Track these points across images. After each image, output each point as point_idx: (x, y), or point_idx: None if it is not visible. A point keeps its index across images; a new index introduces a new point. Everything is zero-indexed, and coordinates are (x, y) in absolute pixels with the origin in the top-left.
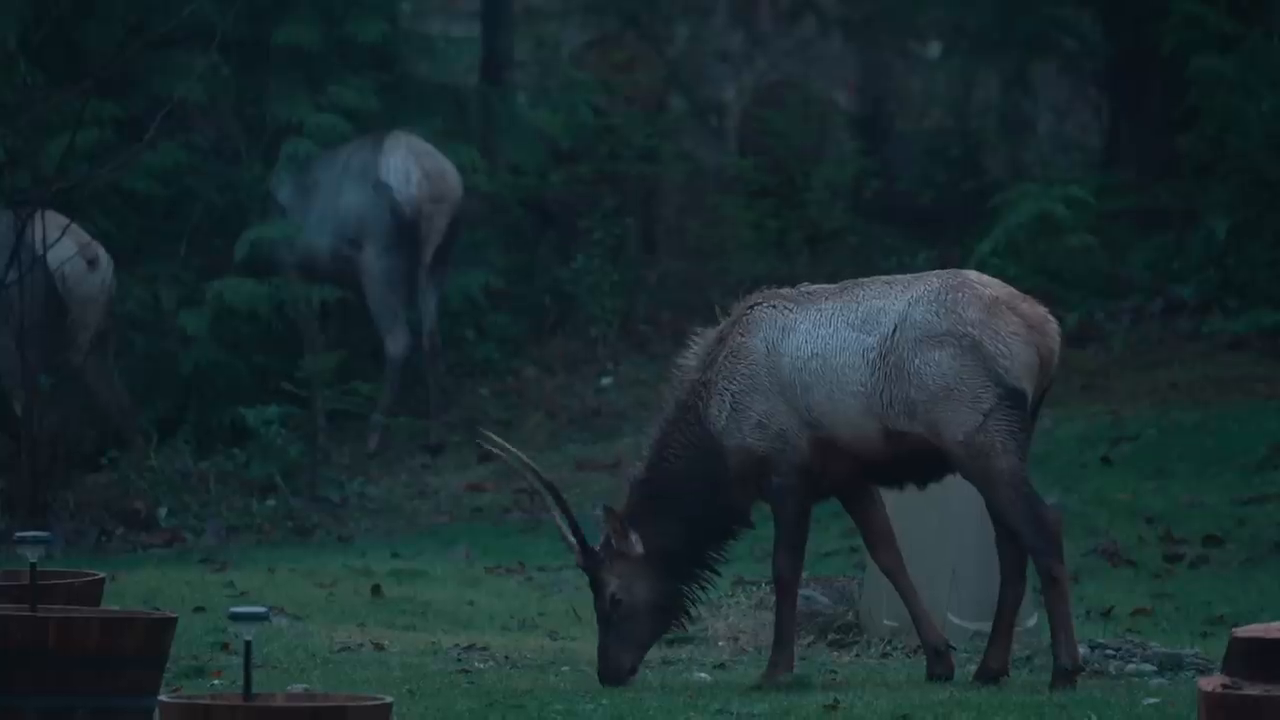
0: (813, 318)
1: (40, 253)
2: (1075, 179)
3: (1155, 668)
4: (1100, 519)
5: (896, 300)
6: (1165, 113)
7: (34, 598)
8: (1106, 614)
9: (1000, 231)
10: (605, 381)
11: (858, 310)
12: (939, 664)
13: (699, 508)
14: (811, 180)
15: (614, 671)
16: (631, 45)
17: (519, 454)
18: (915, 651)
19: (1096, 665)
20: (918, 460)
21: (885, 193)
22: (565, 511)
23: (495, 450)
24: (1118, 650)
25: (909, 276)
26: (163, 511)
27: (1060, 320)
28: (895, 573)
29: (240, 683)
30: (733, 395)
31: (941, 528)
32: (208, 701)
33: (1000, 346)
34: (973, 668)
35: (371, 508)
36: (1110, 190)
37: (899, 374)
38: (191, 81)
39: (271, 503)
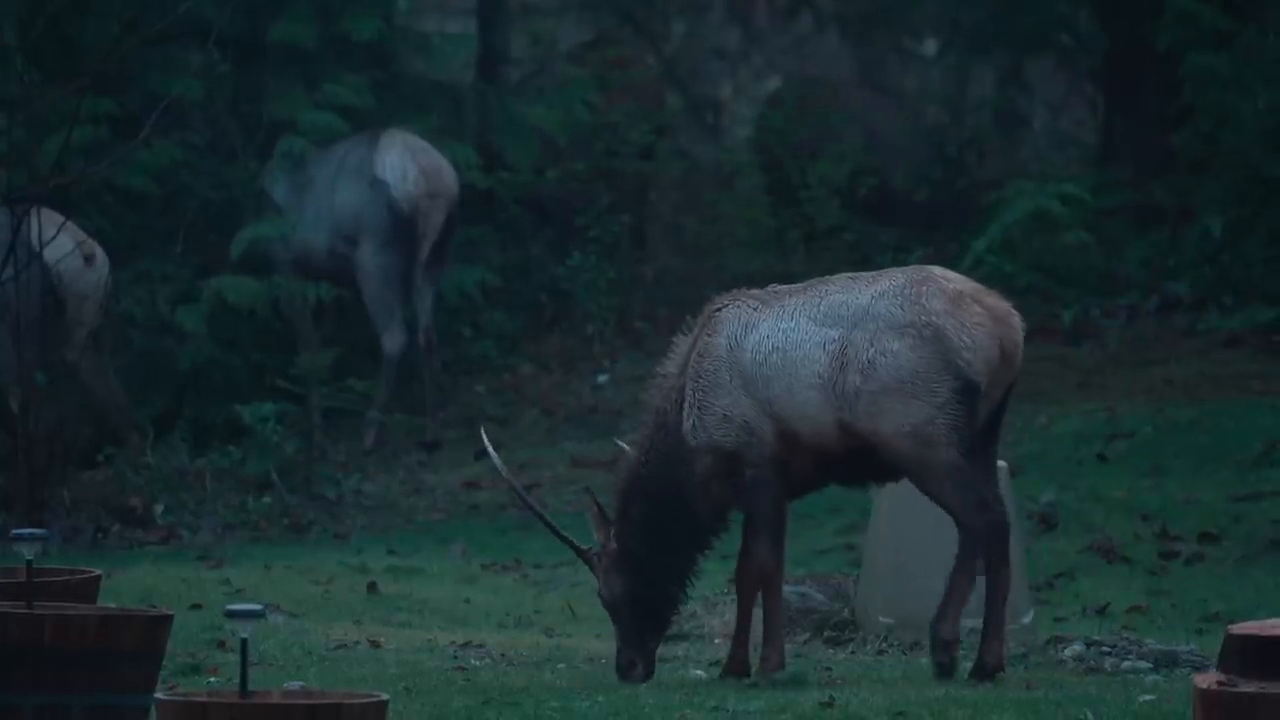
0: (776, 313)
1: (37, 250)
2: (1071, 176)
3: (1151, 665)
4: (1096, 516)
5: (861, 295)
6: (1160, 109)
7: (30, 595)
8: (1102, 611)
9: (996, 228)
10: (602, 379)
11: (820, 305)
12: (732, 675)
13: (667, 513)
14: (808, 177)
15: (619, 668)
16: (628, 42)
17: (501, 465)
18: (911, 648)
19: (1092, 662)
20: (874, 454)
21: (881, 190)
22: (546, 520)
23: (490, 452)
24: (1113, 647)
25: (874, 273)
26: (159, 509)
27: (1056, 317)
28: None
29: (236, 680)
30: (698, 394)
31: (938, 524)
32: (204, 699)
33: (964, 338)
34: (969, 665)
35: (368, 505)
36: (1106, 187)
37: (854, 364)
38: (188, 79)
39: (268, 500)
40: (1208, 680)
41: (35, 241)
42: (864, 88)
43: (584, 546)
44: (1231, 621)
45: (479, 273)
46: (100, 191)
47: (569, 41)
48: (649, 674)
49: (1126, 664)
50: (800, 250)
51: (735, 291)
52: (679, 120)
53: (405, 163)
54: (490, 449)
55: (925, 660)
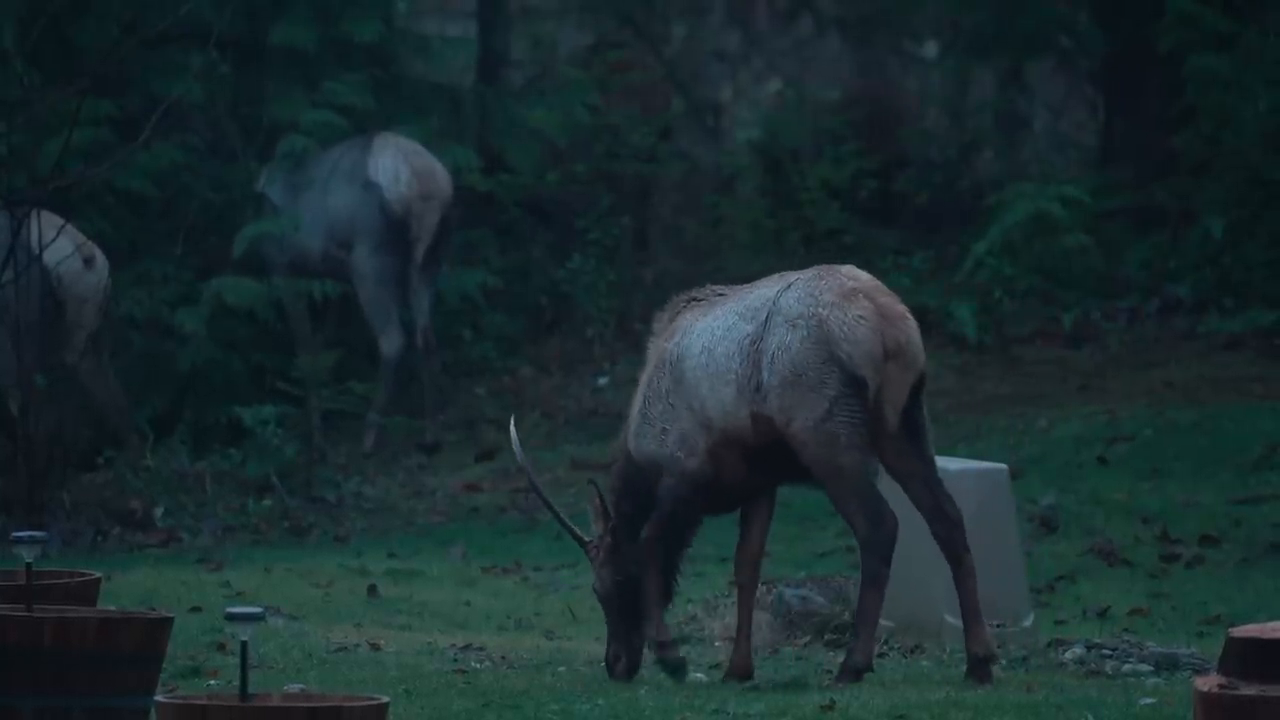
0: (713, 314)
1: (36, 252)
2: (1071, 178)
3: (1152, 667)
4: (1096, 519)
5: (775, 289)
6: (1161, 112)
7: (30, 597)
8: (1103, 614)
9: (996, 231)
10: (601, 381)
11: (746, 301)
12: (734, 677)
13: (647, 512)
14: (808, 180)
15: (606, 662)
16: (628, 45)
17: (520, 452)
18: (912, 651)
19: (1093, 665)
20: (789, 451)
21: (882, 192)
22: (553, 509)
23: (514, 440)
24: (1114, 650)
25: (799, 271)
26: (159, 511)
27: (1056, 320)
28: (745, 589)
29: (236, 683)
30: (644, 400)
31: None
32: (204, 701)
33: (845, 330)
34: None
35: (367, 507)
36: (1106, 189)
37: (761, 357)
38: (188, 81)
39: (267, 502)
40: (1209, 683)
41: (35, 244)
42: (864, 90)
43: (586, 538)
44: (1232, 624)
45: (479, 275)
46: (100, 194)
47: (569, 44)
48: (633, 669)
49: (1127, 667)
50: (800, 253)
51: (695, 290)
52: (679, 123)
53: (398, 165)
54: (515, 436)
55: (926, 663)
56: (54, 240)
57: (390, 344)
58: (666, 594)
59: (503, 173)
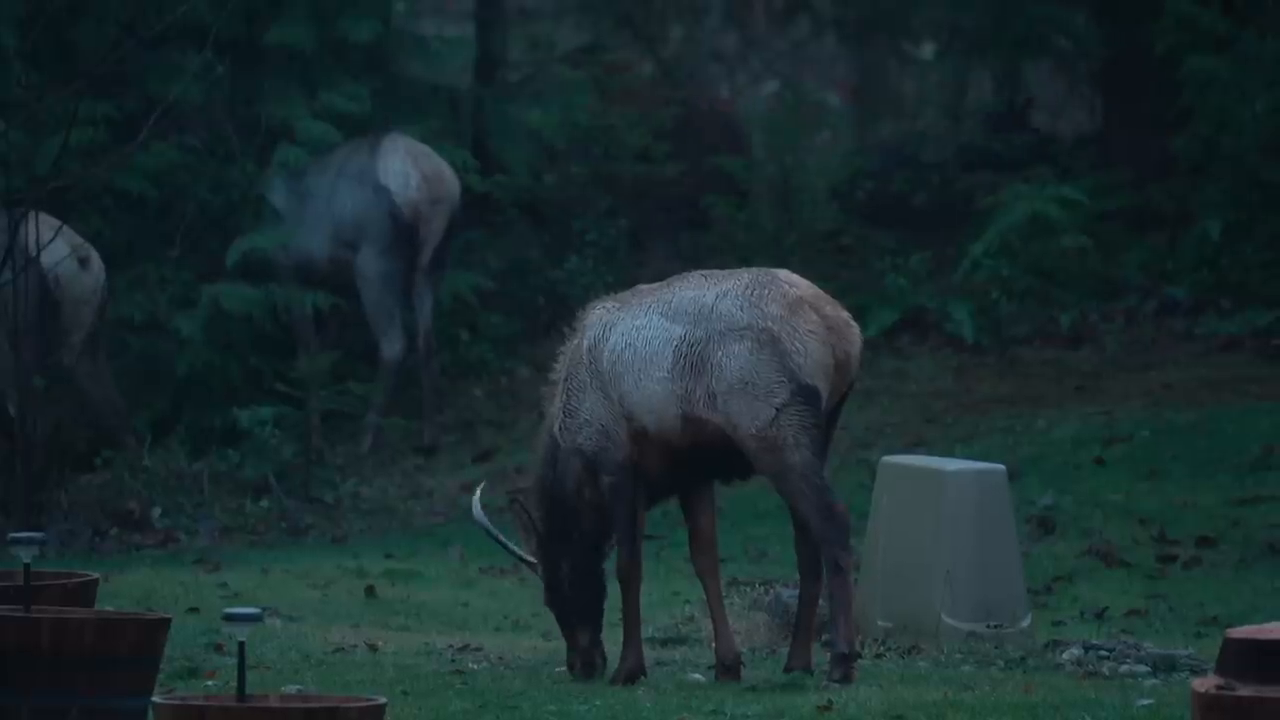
0: (633, 313)
1: (33, 254)
2: (1069, 179)
3: (1149, 669)
4: (1094, 520)
5: (707, 293)
6: (1159, 113)
7: (27, 598)
8: (1100, 615)
9: (993, 232)
10: None
11: (672, 302)
12: (727, 675)
13: (560, 517)
14: (806, 181)
15: (570, 667)
16: (626, 46)
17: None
18: (909, 652)
19: (1090, 666)
20: (720, 451)
21: (879, 194)
22: (497, 538)
23: (476, 506)
24: (1112, 651)
25: (726, 272)
26: (156, 512)
27: (1054, 321)
28: (707, 575)
29: (234, 684)
30: (566, 398)
31: (936, 528)
32: (202, 702)
33: (797, 344)
34: (967, 668)
35: (365, 508)
36: (1104, 191)
37: (702, 364)
38: (185, 81)
39: (265, 503)
40: (1206, 684)
41: (32, 245)
42: (862, 91)
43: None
44: (1229, 625)
45: (476, 277)
46: (98, 194)
47: (566, 45)
48: (589, 671)
49: (1125, 668)
50: (798, 254)
51: (605, 297)
52: (676, 123)
53: (407, 168)
54: (476, 503)
55: (923, 663)
56: (51, 242)
57: (391, 347)
58: (594, 596)
59: (500, 173)
